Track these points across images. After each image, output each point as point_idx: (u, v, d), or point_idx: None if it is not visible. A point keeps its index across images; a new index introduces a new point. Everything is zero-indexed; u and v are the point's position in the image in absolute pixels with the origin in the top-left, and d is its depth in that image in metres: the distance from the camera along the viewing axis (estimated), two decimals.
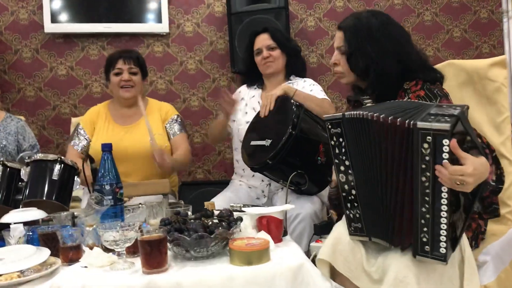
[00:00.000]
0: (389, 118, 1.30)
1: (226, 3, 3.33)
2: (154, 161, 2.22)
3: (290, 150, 2.03)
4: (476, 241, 1.64)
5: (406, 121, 1.26)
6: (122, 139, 2.35)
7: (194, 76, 3.51)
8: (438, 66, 2.05)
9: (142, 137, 2.41)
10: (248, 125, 2.41)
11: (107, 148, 1.64)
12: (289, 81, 2.58)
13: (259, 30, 2.60)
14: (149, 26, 3.39)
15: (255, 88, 2.63)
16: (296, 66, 2.60)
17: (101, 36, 3.39)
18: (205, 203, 1.92)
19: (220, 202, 2.22)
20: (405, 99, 1.59)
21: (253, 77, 2.64)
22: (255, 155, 2.18)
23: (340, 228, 1.51)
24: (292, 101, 2.17)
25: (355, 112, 1.38)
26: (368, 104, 1.70)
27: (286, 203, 1.96)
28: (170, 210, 1.71)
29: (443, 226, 1.26)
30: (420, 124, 1.22)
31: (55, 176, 1.79)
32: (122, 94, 2.47)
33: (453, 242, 1.33)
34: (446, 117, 1.23)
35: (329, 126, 1.44)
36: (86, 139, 2.48)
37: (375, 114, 1.34)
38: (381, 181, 1.36)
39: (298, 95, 2.26)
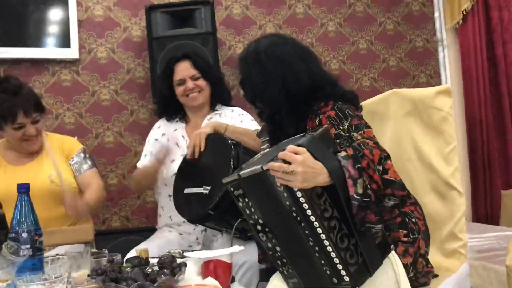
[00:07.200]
0: (258, 167, 1.46)
1: (146, 26, 3.38)
2: (64, 206, 2.17)
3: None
4: (426, 275, 1.71)
5: (258, 167, 1.46)
6: (20, 179, 2.25)
7: (109, 108, 3.51)
8: (381, 96, 2.27)
9: (44, 174, 2.34)
10: (172, 164, 2.41)
11: (23, 189, 1.60)
12: (216, 112, 2.60)
13: (179, 56, 2.62)
14: (55, 51, 3.37)
15: (177, 122, 2.64)
16: (221, 95, 2.65)
17: None
18: (136, 250, 1.92)
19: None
20: (315, 122, 1.74)
21: (173, 110, 2.65)
22: (192, 205, 2.16)
23: (276, 281, 1.63)
24: (227, 139, 2.17)
25: (247, 170, 1.51)
26: (264, 151, 1.85)
27: None
28: (95, 261, 1.69)
29: (333, 255, 1.44)
30: (264, 167, 1.44)
31: None
32: (27, 148, 2.40)
33: (362, 266, 1.49)
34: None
35: (232, 189, 1.57)
36: None
37: (256, 167, 1.48)
38: (292, 231, 1.48)
39: (230, 131, 2.29)
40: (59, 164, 2.41)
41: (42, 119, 2.44)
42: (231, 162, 2.05)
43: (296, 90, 1.76)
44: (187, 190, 2.20)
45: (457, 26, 4.12)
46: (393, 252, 1.59)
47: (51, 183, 2.31)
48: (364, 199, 1.43)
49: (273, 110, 1.80)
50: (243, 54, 1.89)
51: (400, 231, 1.68)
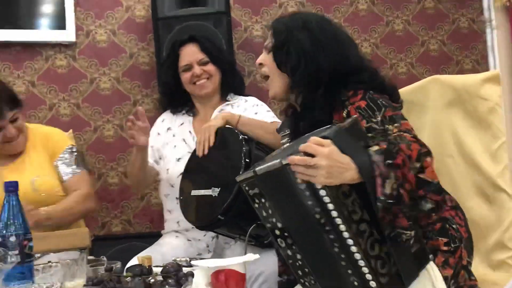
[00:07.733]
0: (277, 161, 1.47)
1: (151, 6, 3.38)
2: None
3: (245, 199, 1.92)
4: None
5: (277, 161, 1.46)
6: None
7: (109, 98, 3.53)
8: (419, 84, 2.28)
9: (25, 179, 2.34)
10: (178, 163, 2.43)
11: (11, 187, 1.61)
12: (227, 102, 2.63)
13: (184, 39, 2.65)
14: (49, 33, 3.39)
15: (183, 114, 2.67)
16: (233, 82, 2.68)
17: None
18: (138, 257, 1.94)
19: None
20: (342, 114, 1.74)
21: (178, 100, 2.68)
22: (201, 210, 2.18)
23: None
24: (238, 134, 2.19)
25: (264, 166, 1.51)
26: (283, 146, 1.89)
27: None
28: (92, 269, 1.69)
29: (362, 263, 1.43)
30: (284, 162, 1.44)
31: None
32: (10, 150, 2.42)
33: (395, 278, 1.47)
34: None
35: (246, 188, 1.58)
36: None
37: (274, 162, 1.48)
38: (314, 235, 1.49)
39: (243, 123, 2.29)
40: (41, 165, 2.41)
41: (21, 115, 2.42)
42: (243, 160, 2.06)
43: (343, 70, 1.78)
44: (194, 192, 2.22)
45: (508, 4, 4.01)
46: (431, 262, 1.58)
47: (33, 191, 2.32)
48: (390, 201, 1.42)
49: (312, 84, 1.80)
50: (284, 19, 1.92)
51: (440, 239, 1.68)
